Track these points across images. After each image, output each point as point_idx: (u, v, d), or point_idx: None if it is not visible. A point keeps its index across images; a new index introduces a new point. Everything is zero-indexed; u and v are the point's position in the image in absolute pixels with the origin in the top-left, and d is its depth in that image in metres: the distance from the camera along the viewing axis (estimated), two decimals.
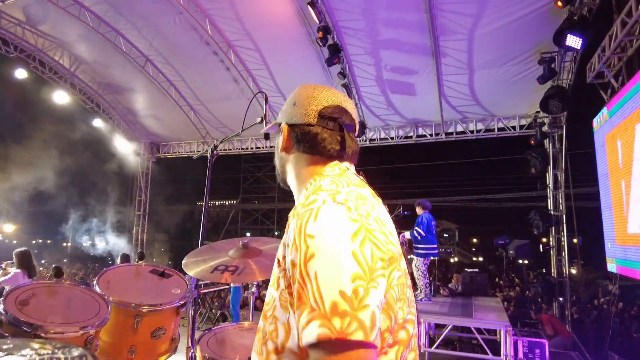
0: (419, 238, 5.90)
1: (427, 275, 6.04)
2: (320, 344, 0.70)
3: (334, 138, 0.98)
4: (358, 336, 0.69)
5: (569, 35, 5.35)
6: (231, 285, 6.90)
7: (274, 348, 0.83)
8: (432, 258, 6.16)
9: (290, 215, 0.88)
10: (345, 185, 0.87)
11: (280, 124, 1.04)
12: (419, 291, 6.02)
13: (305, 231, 0.78)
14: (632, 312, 9.45)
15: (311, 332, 0.70)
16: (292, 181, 1.04)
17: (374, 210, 0.84)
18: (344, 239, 0.75)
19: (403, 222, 6.39)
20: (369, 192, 0.90)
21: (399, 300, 0.82)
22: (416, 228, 5.95)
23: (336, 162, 0.98)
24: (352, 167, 1.02)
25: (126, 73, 9.38)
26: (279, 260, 0.87)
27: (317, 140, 0.97)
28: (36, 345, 1.22)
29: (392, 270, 0.81)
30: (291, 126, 1.01)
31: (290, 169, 1.03)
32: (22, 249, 5.23)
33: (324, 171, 0.95)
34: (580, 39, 5.36)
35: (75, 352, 1.17)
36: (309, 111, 0.99)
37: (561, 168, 8.10)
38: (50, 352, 1.14)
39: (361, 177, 0.99)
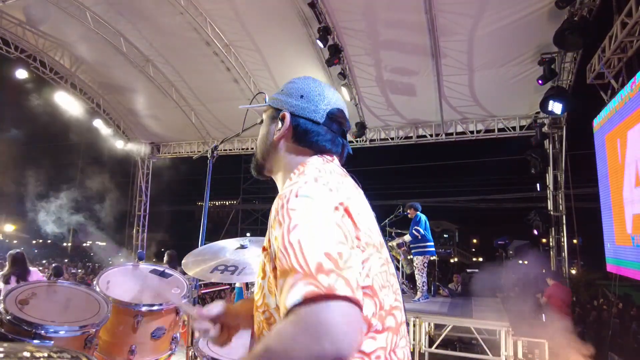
0: (419, 237, 5.94)
1: (425, 274, 6.05)
2: (305, 302, 0.67)
3: (336, 141, 1.01)
4: (345, 291, 0.67)
5: (568, 36, 5.34)
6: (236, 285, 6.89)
7: None
8: (430, 257, 6.19)
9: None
10: (328, 172, 0.89)
11: (279, 110, 1.02)
12: (418, 290, 6.03)
13: (288, 206, 0.78)
14: (631, 313, 9.42)
15: (297, 292, 0.68)
16: (276, 169, 1.03)
17: (355, 196, 0.87)
18: (326, 210, 0.77)
19: (403, 222, 6.41)
20: (351, 182, 0.92)
21: (384, 287, 0.84)
22: (416, 227, 5.98)
23: (324, 154, 0.99)
24: (337, 162, 1.01)
25: (127, 73, 9.37)
26: (264, 247, 0.88)
27: (319, 138, 0.98)
28: (33, 349, 1.21)
29: (370, 254, 0.82)
30: (294, 117, 0.99)
31: (277, 158, 1.02)
32: (16, 251, 4.99)
33: (309, 160, 0.96)
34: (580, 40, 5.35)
35: (73, 356, 1.17)
36: (319, 109, 1.00)
37: (561, 169, 8.10)
38: (46, 355, 1.13)
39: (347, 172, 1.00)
